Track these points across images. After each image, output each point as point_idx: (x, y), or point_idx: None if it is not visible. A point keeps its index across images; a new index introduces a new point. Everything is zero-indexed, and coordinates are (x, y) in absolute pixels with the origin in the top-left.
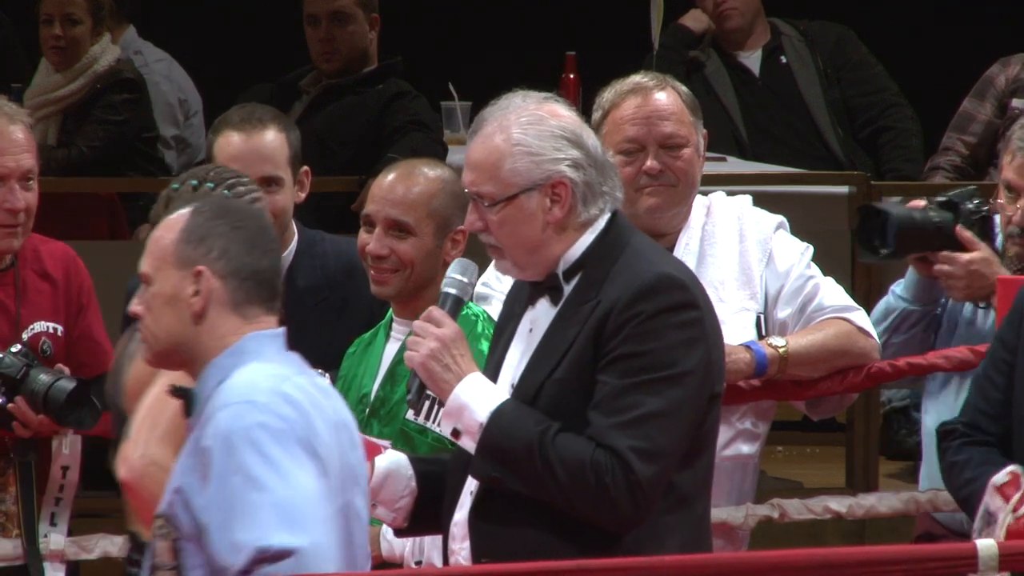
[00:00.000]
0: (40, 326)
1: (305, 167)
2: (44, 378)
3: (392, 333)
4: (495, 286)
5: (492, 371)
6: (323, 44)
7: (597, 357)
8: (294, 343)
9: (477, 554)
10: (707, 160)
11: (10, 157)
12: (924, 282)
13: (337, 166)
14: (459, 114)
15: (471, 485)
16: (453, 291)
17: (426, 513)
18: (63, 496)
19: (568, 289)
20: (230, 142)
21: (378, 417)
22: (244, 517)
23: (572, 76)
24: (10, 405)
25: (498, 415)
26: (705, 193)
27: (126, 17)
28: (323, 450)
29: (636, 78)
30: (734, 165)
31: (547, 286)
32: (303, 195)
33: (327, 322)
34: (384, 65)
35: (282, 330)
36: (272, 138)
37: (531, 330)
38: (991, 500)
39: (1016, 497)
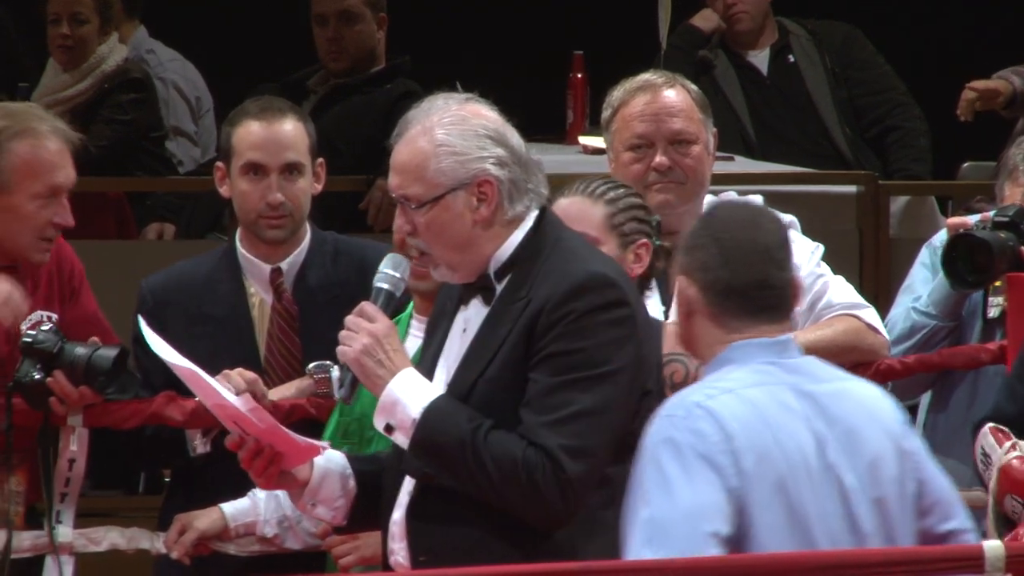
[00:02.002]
0: (36, 316)
1: (320, 159)
2: (81, 351)
3: (411, 331)
4: None
5: (426, 370)
6: (331, 43)
7: (528, 355)
8: (305, 339)
9: (414, 553)
10: (715, 159)
11: (62, 173)
12: (955, 297)
13: (345, 166)
14: None
15: (408, 485)
16: (385, 286)
17: (366, 511)
18: (69, 491)
19: (500, 288)
20: (250, 131)
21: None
22: (631, 529)
23: (580, 76)
24: (48, 380)
25: (431, 411)
26: (716, 193)
27: (137, 16)
28: (754, 465)
29: (646, 76)
30: (742, 165)
31: (479, 286)
32: (319, 187)
33: (338, 319)
34: (392, 65)
35: (779, 339)
36: (292, 126)
37: (465, 330)
38: (984, 440)
39: (1008, 443)
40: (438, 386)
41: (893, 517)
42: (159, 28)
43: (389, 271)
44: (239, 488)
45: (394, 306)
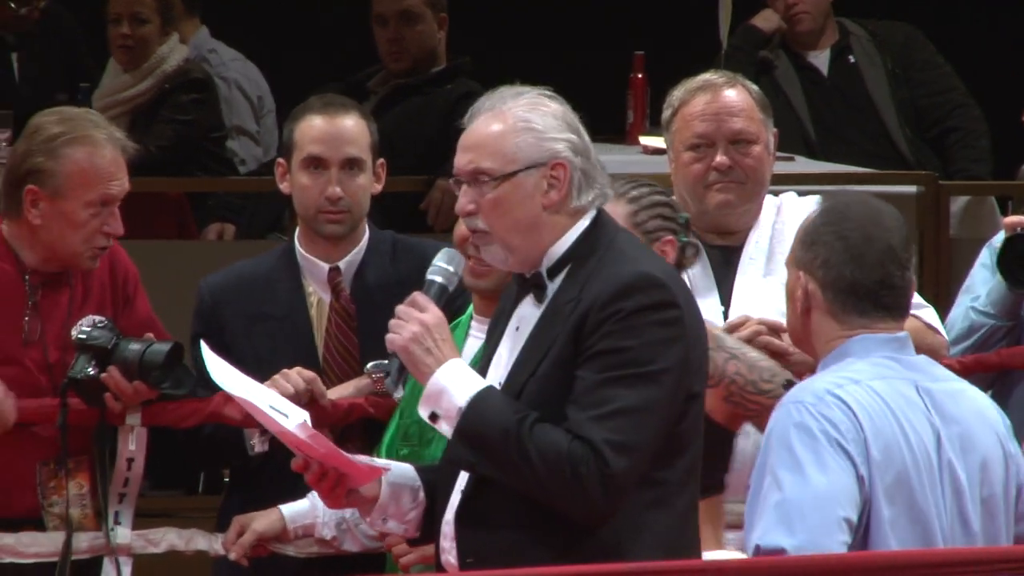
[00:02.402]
0: (89, 319)
1: (381, 159)
2: (135, 346)
3: (471, 331)
4: None
5: (483, 369)
6: (391, 44)
7: (577, 354)
8: (363, 338)
9: (462, 554)
10: (776, 159)
11: (116, 184)
12: (1013, 297)
13: (405, 166)
14: None
15: (460, 484)
16: (438, 279)
17: (437, 521)
18: (127, 491)
19: (552, 287)
20: (313, 125)
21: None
22: (760, 515)
23: (640, 76)
24: (103, 376)
25: (477, 401)
26: (775, 193)
27: (198, 15)
28: (881, 455)
29: (706, 76)
30: (802, 165)
31: (532, 284)
32: (379, 187)
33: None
34: (453, 65)
35: (898, 335)
36: (354, 122)
37: (518, 328)
38: None
39: None
40: (490, 382)
41: (998, 517)
42: (221, 29)
43: (443, 264)
44: (296, 489)
45: (446, 299)
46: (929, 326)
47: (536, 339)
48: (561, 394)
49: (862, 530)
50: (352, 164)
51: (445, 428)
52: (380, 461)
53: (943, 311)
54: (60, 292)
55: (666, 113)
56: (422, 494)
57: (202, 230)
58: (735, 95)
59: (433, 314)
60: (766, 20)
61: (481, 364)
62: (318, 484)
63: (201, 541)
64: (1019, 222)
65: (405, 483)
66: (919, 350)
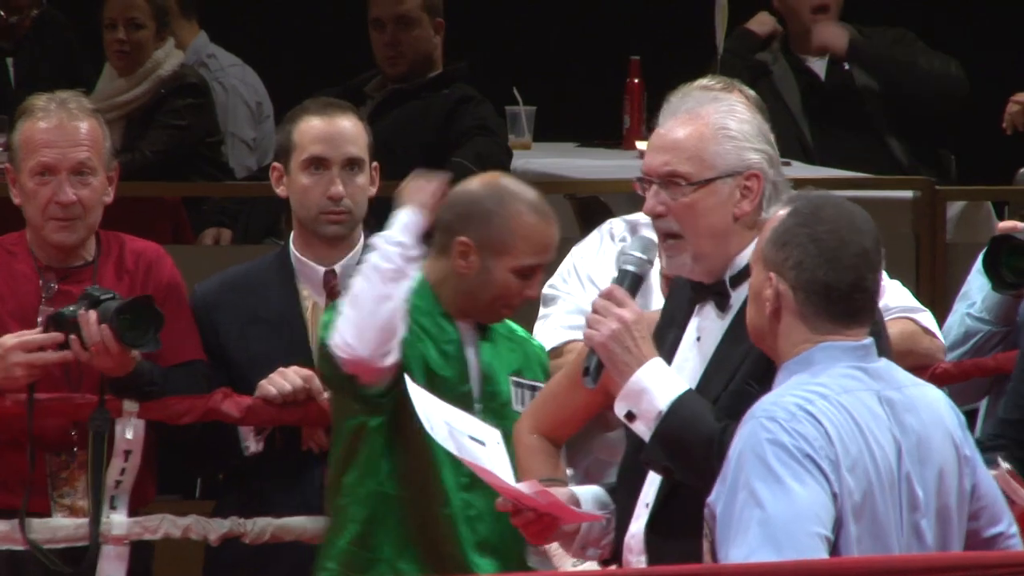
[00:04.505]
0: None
1: (375, 163)
2: (118, 301)
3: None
4: (561, 287)
5: None
6: (388, 48)
7: (771, 370)
8: None
9: (654, 565)
10: None
11: (58, 150)
12: (1008, 302)
13: (402, 171)
14: (524, 119)
15: (647, 497)
16: (632, 268)
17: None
18: (123, 479)
19: (736, 297)
20: (312, 125)
21: (491, 416)
22: (739, 533)
23: (636, 81)
24: (79, 313)
25: (679, 405)
26: None
27: (194, 19)
28: (850, 473)
29: (703, 81)
30: (799, 170)
31: (712, 291)
32: (373, 190)
33: None
34: (449, 70)
35: (864, 342)
36: (353, 123)
37: (699, 338)
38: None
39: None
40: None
41: (951, 525)
42: (218, 33)
43: (637, 253)
44: (292, 488)
45: (640, 289)
46: (926, 330)
47: (726, 352)
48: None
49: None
50: (353, 164)
51: (641, 429)
52: (582, 492)
53: (939, 316)
54: (78, 288)
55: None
56: (614, 518)
57: (198, 235)
58: None
59: (632, 310)
60: (761, 24)
61: None
62: (527, 527)
63: (197, 528)
64: (1014, 227)
65: (600, 508)
66: (915, 354)
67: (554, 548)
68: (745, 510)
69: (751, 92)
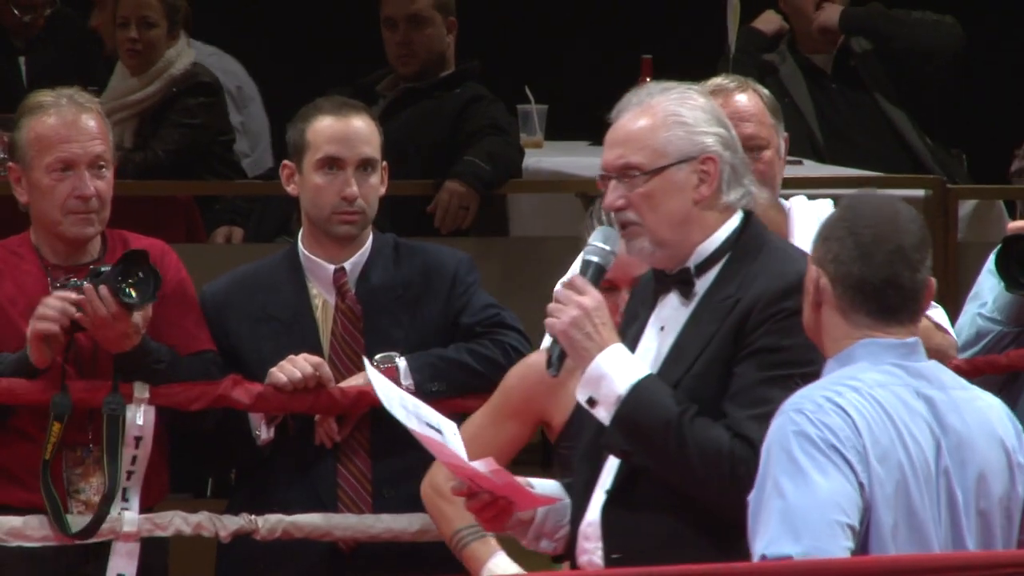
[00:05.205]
0: None
1: (384, 162)
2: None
3: None
4: None
5: None
6: (400, 47)
7: (736, 352)
8: (369, 338)
9: (608, 552)
10: (785, 163)
11: (77, 144)
12: (1020, 303)
13: (413, 170)
14: (535, 118)
15: (604, 483)
16: (595, 259)
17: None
18: (135, 469)
19: (701, 284)
20: (327, 125)
21: None
22: (763, 523)
23: (648, 79)
24: (85, 285)
25: (638, 389)
26: (785, 197)
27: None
28: (879, 463)
29: (717, 80)
30: (810, 168)
31: (676, 280)
32: (383, 189)
33: (400, 319)
34: (461, 69)
35: (907, 341)
36: (366, 123)
37: (663, 328)
38: None
39: None
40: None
41: (994, 531)
42: (227, 34)
43: (599, 244)
44: (303, 483)
45: (603, 279)
46: (938, 326)
47: (688, 337)
48: (718, 392)
49: (862, 537)
50: (367, 164)
51: (602, 414)
52: (538, 484)
53: (951, 314)
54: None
55: None
56: (569, 511)
57: (210, 234)
58: (746, 100)
59: (592, 297)
60: (767, 22)
61: None
62: (482, 511)
63: (208, 525)
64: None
65: (557, 503)
66: (928, 350)
67: None
68: (769, 502)
69: (765, 91)
